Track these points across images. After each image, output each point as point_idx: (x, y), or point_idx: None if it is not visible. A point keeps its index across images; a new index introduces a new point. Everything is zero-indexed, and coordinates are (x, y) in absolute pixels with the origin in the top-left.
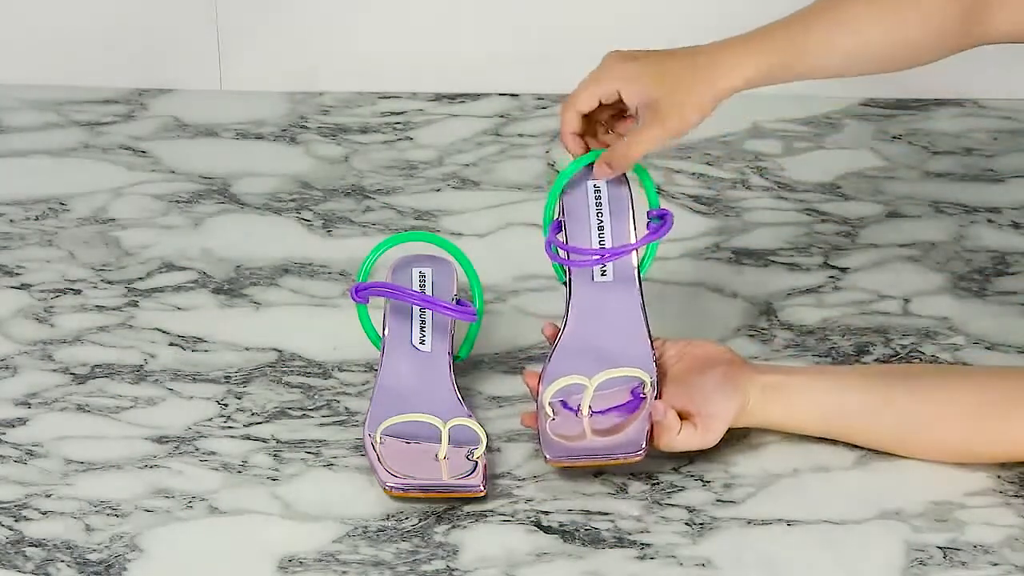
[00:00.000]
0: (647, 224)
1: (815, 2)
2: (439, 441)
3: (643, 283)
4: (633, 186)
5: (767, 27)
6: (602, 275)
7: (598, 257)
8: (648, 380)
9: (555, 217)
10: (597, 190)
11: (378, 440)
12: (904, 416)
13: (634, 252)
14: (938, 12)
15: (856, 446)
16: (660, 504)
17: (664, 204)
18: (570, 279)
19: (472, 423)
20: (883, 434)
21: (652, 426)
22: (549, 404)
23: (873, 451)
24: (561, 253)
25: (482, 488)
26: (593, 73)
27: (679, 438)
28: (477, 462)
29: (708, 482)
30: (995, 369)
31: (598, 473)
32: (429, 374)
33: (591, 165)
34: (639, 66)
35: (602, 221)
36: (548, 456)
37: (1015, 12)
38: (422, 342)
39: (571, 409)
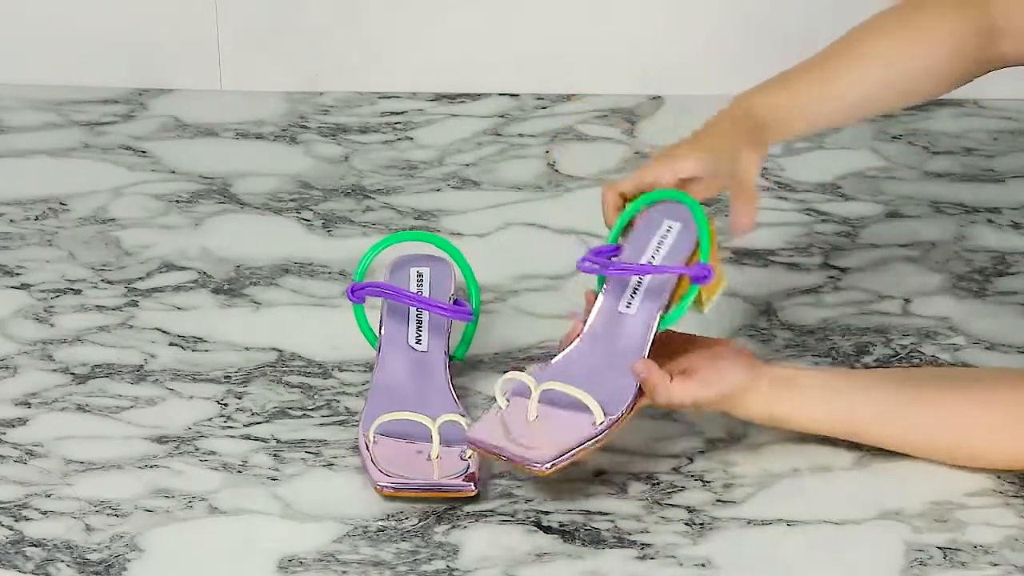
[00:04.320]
0: (692, 276)
1: (825, 51)
2: (431, 441)
3: (660, 331)
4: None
5: (797, 79)
6: (627, 307)
7: (634, 269)
8: (598, 418)
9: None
10: (669, 230)
11: (372, 439)
12: (912, 423)
13: (664, 304)
14: (950, 40)
15: (856, 446)
16: (660, 504)
17: None
18: (599, 301)
19: (465, 422)
20: (891, 440)
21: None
22: (504, 395)
23: (873, 451)
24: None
25: (474, 488)
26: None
27: (675, 388)
28: (469, 462)
29: (708, 482)
30: (1001, 376)
31: (598, 473)
32: (425, 374)
33: (662, 203)
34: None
35: (664, 255)
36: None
37: (1019, 42)
38: (418, 342)
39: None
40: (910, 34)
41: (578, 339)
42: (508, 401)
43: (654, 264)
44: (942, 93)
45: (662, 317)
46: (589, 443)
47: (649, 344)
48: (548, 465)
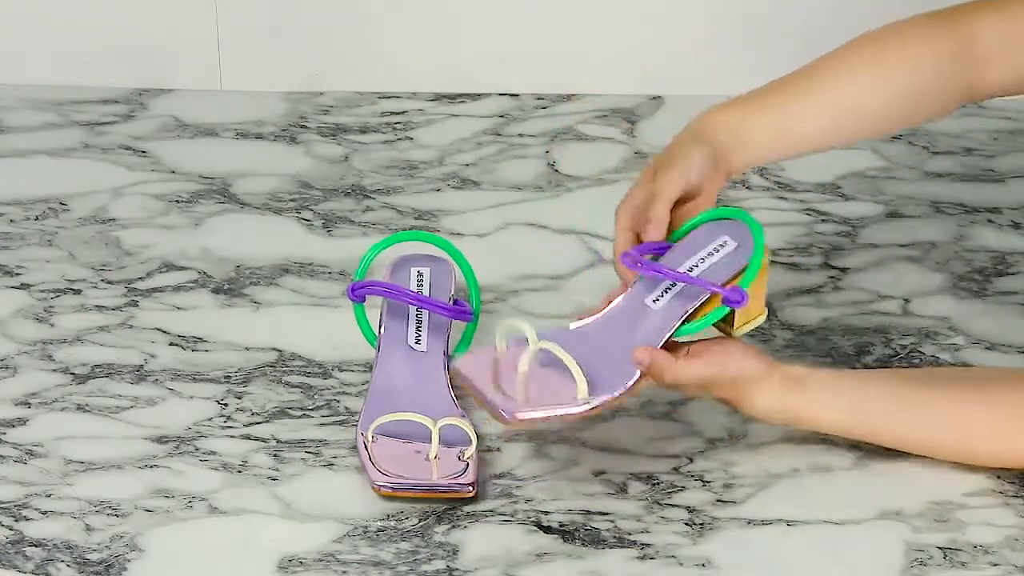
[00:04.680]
0: (723, 296)
1: (800, 70)
2: (430, 441)
3: (673, 337)
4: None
5: (772, 97)
6: (654, 302)
7: (667, 274)
8: (581, 394)
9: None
10: (723, 246)
11: (370, 439)
12: (922, 424)
13: (688, 312)
14: (930, 65)
15: (856, 446)
16: (660, 504)
17: None
18: (632, 288)
19: (464, 423)
20: (900, 440)
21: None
22: (505, 340)
23: (873, 451)
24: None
25: (472, 489)
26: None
27: (681, 367)
28: (468, 463)
29: (708, 482)
30: (1005, 376)
31: (598, 473)
32: (424, 374)
33: (728, 220)
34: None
35: (706, 268)
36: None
37: (1004, 69)
38: (418, 342)
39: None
40: (887, 59)
41: (598, 315)
42: (508, 347)
43: (692, 275)
44: (918, 122)
45: (681, 324)
46: (563, 413)
47: (660, 344)
48: (513, 417)
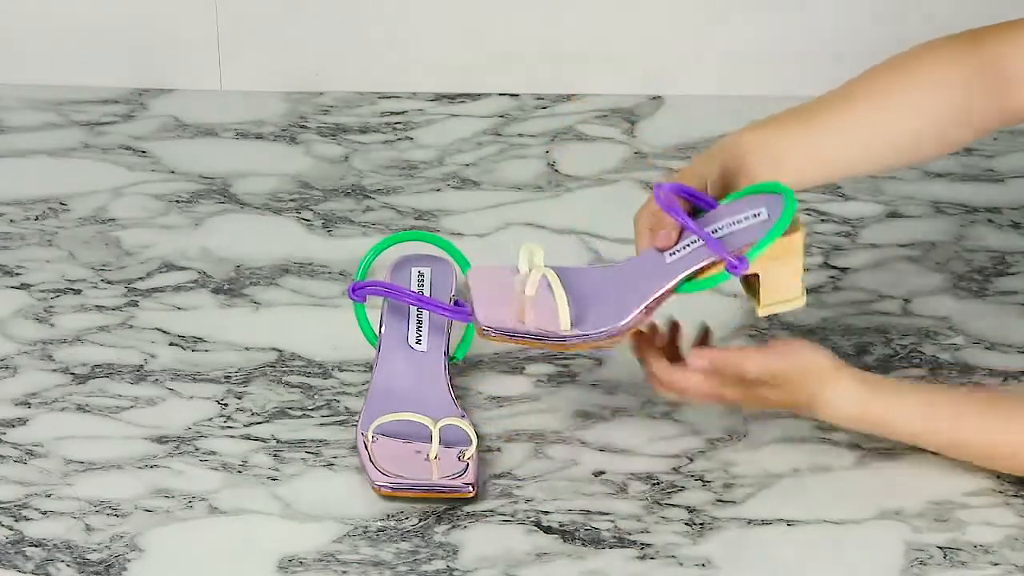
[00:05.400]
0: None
1: (831, 95)
2: (430, 441)
3: (676, 292)
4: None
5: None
6: (672, 255)
7: (690, 227)
8: (563, 326)
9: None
10: (757, 215)
11: (371, 439)
12: (986, 436)
13: (694, 270)
14: (960, 90)
15: (856, 445)
16: (660, 504)
17: None
18: (657, 241)
19: (464, 423)
20: (970, 450)
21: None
22: (527, 262)
23: (873, 451)
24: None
25: (472, 489)
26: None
27: (747, 358)
28: (468, 463)
29: (708, 482)
30: None
31: (598, 473)
32: (424, 374)
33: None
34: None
35: (728, 232)
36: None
37: None
38: (418, 342)
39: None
40: (917, 86)
41: (620, 263)
42: (529, 271)
43: (715, 236)
44: (952, 149)
45: (685, 281)
46: (536, 339)
47: (655, 295)
48: (484, 327)
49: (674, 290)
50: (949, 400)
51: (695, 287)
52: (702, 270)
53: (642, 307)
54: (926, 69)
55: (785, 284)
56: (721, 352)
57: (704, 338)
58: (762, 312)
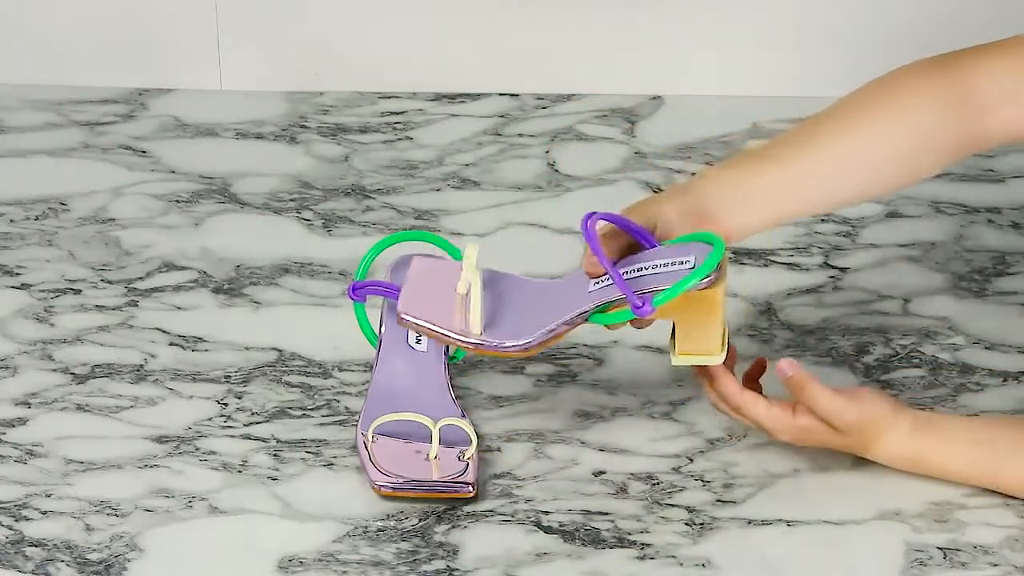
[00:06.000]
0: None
1: (800, 128)
2: (430, 441)
3: (588, 321)
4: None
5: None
6: (596, 284)
7: (604, 262)
8: (474, 329)
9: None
10: (683, 263)
11: (371, 439)
12: None
13: (604, 303)
14: (931, 118)
15: None
16: (660, 504)
17: None
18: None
19: (464, 423)
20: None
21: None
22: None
23: None
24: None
25: (472, 489)
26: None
27: (821, 393)
28: (468, 463)
29: (708, 482)
30: None
31: (598, 473)
32: (424, 374)
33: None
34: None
35: (652, 274)
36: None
37: (1006, 117)
38: (418, 341)
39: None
40: (887, 114)
41: (552, 280)
42: (481, 276)
43: (637, 272)
44: (926, 175)
45: (594, 312)
46: (439, 332)
47: (563, 320)
48: (403, 314)
49: (587, 319)
50: (1006, 452)
51: (603, 320)
52: (616, 304)
53: (547, 329)
54: (901, 96)
55: (702, 336)
56: (809, 377)
57: (758, 370)
58: (675, 361)
